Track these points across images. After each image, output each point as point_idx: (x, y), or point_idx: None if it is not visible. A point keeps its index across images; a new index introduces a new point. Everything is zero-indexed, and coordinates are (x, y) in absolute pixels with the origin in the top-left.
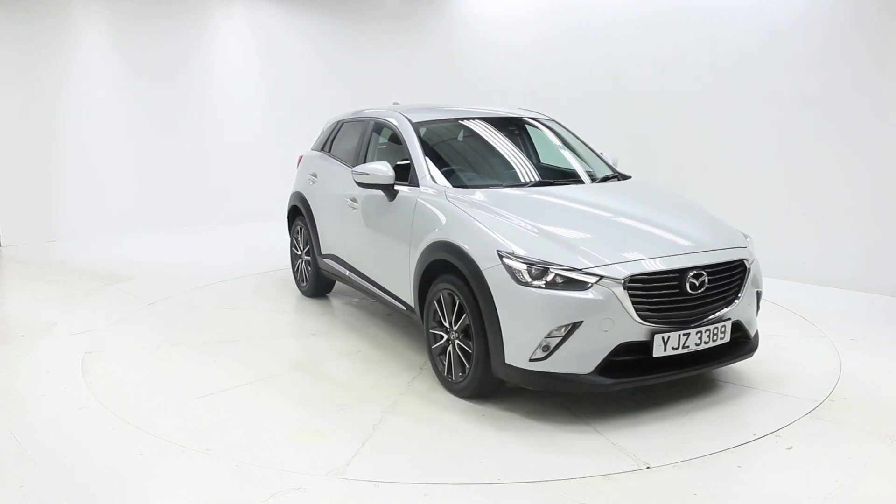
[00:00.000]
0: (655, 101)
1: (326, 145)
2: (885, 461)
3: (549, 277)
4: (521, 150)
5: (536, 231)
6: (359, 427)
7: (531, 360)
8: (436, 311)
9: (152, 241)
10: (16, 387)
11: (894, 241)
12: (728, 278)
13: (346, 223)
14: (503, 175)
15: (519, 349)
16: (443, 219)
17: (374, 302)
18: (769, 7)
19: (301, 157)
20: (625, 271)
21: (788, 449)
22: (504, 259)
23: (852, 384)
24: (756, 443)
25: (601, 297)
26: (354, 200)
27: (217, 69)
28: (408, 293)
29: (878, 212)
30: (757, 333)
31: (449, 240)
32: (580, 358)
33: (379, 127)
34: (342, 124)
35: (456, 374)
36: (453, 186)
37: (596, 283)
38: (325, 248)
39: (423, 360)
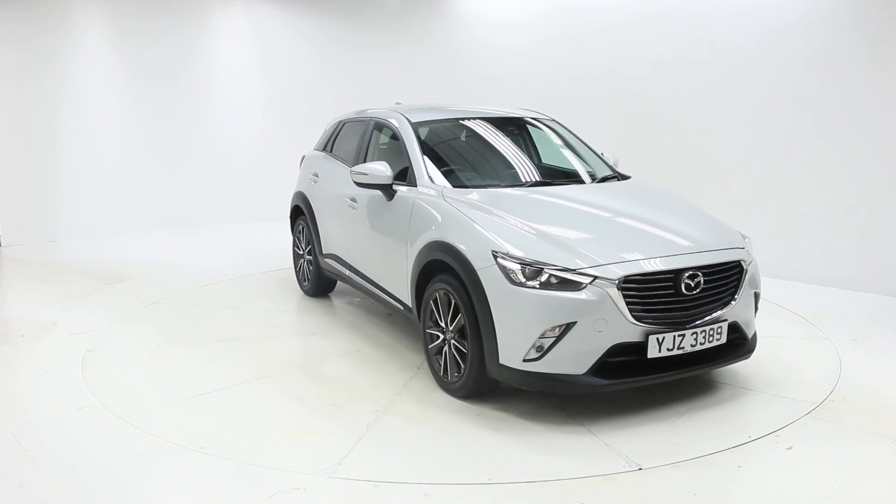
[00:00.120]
0: (655, 101)
1: (328, 145)
2: (885, 461)
3: (544, 278)
4: (520, 150)
5: (532, 231)
6: (353, 426)
7: (525, 361)
8: (432, 311)
9: (152, 241)
10: (16, 387)
11: (894, 241)
12: (724, 279)
13: (346, 223)
14: (502, 175)
15: (513, 349)
16: (439, 219)
17: (375, 302)
18: (769, 7)
19: (303, 157)
20: (619, 272)
21: (788, 449)
22: (498, 259)
23: (852, 384)
24: (756, 443)
25: (595, 298)
26: (354, 200)
27: (217, 69)
28: (406, 293)
29: (879, 212)
30: (755, 335)
31: (445, 240)
32: (574, 358)
33: (379, 127)
34: (344, 124)
35: (452, 375)
36: (453, 186)
37: (590, 283)
38: (326, 248)
39: (421, 360)
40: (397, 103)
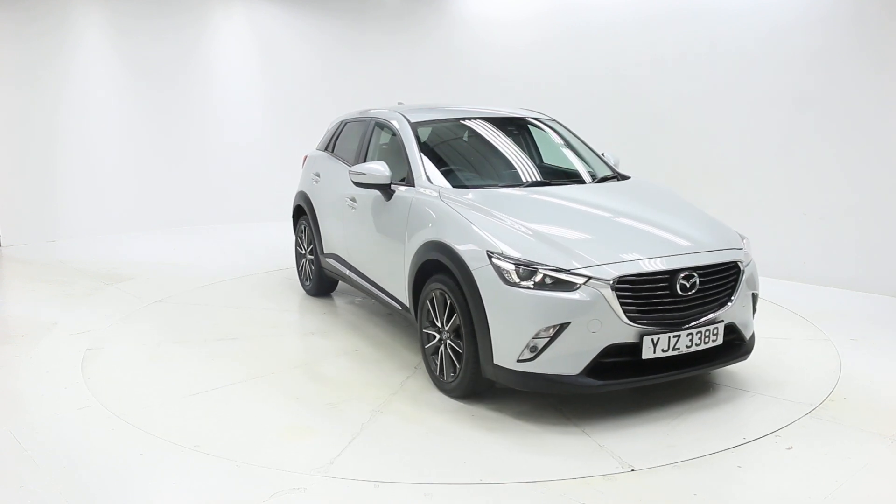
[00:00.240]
0: (655, 101)
1: (330, 145)
2: (885, 461)
3: (538, 278)
4: (521, 150)
5: (528, 231)
6: (347, 426)
7: (519, 361)
8: (429, 311)
9: (152, 241)
10: (16, 387)
11: (894, 241)
12: (721, 280)
13: (347, 223)
14: (501, 175)
15: (507, 350)
16: (436, 219)
17: (376, 301)
18: (769, 7)
19: (306, 157)
20: (613, 272)
21: (788, 449)
22: (493, 259)
23: (852, 384)
24: (756, 443)
25: (588, 298)
26: (354, 200)
27: (217, 69)
28: (403, 293)
29: (879, 212)
30: (753, 336)
31: (441, 240)
32: (568, 359)
33: (380, 127)
34: (345, 124)
35: (447, 375)
36: (452, 186)
37: (584, 283)
38: (327, 248)
39: (418, 360)
40: (399, 103)
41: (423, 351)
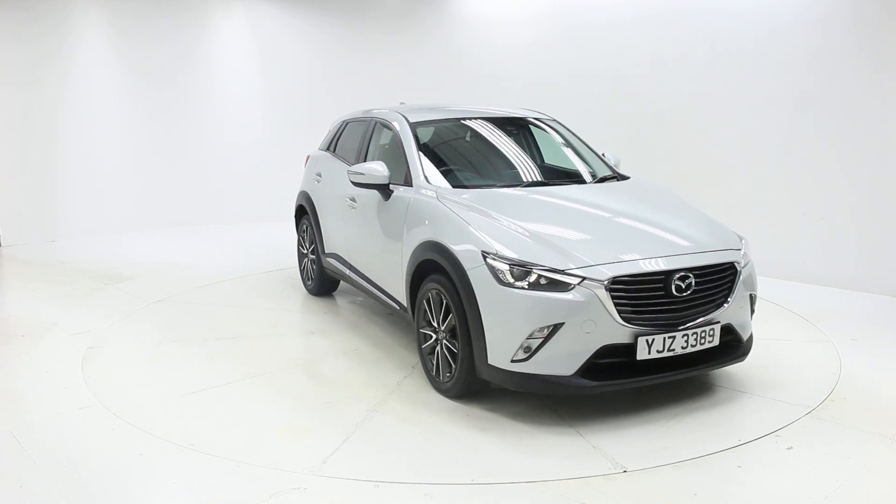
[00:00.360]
0: (655, 101)
1: (332, 145)
2: (885, 461)
3: (532, 278)
4: (521, 150)
5: (524, 231)
6: (343, 425)
7: (513, 361)
8: (425, 311)
9: (152, 241)
10: (16, 387)
11: (895, 241)
12: (717, 281)
13: (347, 222)
14: (500, 175)
15: (501, 350)
16: (433, 219)
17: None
18: (769, 7)
19: (308, 157)
20: (607, 272)
21: (788, 449)
22: (488, 259)
23: (852, 384)
24: (756, 443)
25: (582, 299)
26: (354, 200)
27: (217, 69)
28: (401, 293)
29: (879, 212)
30: (751, 337)
31: (437, 240)
32: (562, 360)
33: (380, 127)
34: (347, 124)
35: (444, 374)
36: (452, 186)
37: (578, 284)
38: (328, 247)
39: (416, 360)
40: (402, 103)
41: (420, 351)
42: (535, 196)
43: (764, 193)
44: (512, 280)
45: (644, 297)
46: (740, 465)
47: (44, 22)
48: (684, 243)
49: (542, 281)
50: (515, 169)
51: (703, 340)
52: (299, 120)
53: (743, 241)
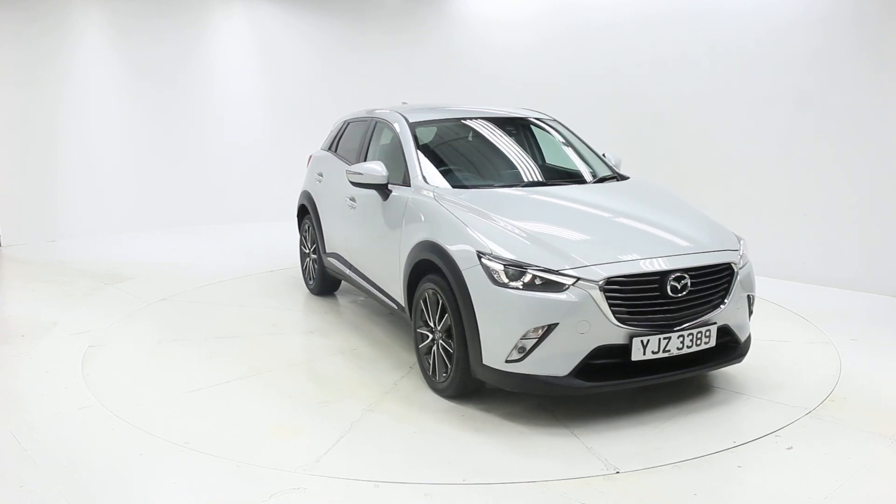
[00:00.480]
0: (655, 101)
1: (333, 145)
2: (885, 461)
3: (527, 278)
4: (521, 150)
5: (520, 232)
6: (337, 424)
7: (507, 362)
8: (422, 310)
9: (152, 241)
10: (16, 387)
11: (894, 241)
12: (714, 281)
13: (347, 222)
14: (498, 175)
15: (495, 350)
16: (430, 219)
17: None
18: (769, 7)
19: (310, 157)
20: (602, 273)
21: (788, 449)
22: (483, 259)
23: (852, 384)
24: (756, 443)
25: (577, 299)
26: (353, 200)
27: (217, 69)
28: (399, 292)
29: (879, 212)
30: (749, 338)
31: (434, 240)
32: (557, 360)
33: (380, 127)
34: (348, 124)
35: (439, 374)
36: (451, 186)
37: (573, 284)
38: (329, 247)
39: (414, 359)
40: (404, 103)
41: (417, 351)
42: (534, 196)
43: (764, 193)
44: (506, 280)
45: (639, 297)
46: (740, 466)
47: (44, 22)
48: (681, 244)
49: (537, 281)
50: (515, 169)
51: (699, 341)
52: (299, 120)
53: (741, 242)
